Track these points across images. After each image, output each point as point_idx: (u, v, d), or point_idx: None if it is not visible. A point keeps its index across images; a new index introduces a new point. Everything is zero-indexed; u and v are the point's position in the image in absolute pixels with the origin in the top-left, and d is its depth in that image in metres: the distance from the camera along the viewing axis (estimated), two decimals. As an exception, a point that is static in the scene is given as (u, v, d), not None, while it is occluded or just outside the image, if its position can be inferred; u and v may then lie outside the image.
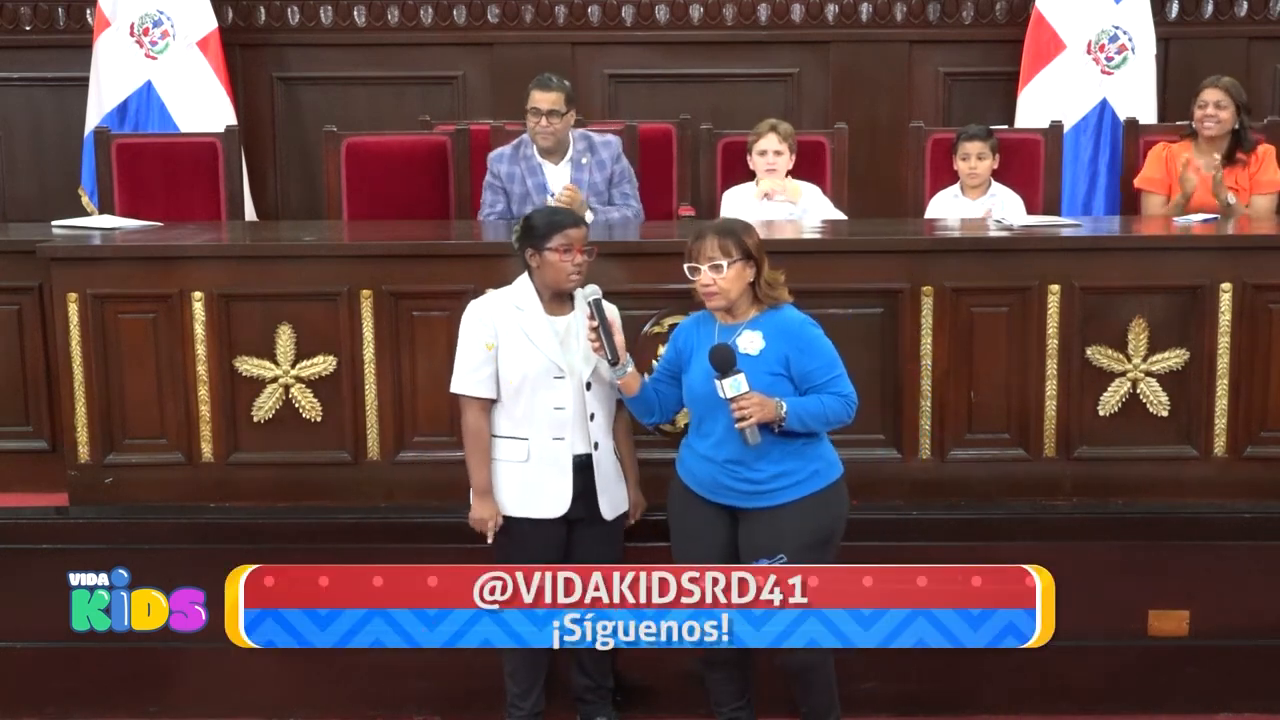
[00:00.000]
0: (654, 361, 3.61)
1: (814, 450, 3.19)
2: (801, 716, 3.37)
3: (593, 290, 3.22)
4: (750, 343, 3.14)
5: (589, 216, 4.46)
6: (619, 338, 3.23)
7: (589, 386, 3.32)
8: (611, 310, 3.30)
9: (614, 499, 3.39)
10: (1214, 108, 4.75)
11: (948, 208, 4.82)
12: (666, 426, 3.73)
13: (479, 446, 3.32)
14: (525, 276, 3.34)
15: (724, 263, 3.12)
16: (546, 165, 4.61)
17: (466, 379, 3.31)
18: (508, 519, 3.32)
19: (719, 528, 3.24)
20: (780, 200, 4.62)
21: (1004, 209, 4.65)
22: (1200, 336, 3.70)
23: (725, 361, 3.06)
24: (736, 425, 3.06)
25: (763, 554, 3.14)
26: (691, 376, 3.23)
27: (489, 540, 3.34)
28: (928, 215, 4.87)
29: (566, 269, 3.25)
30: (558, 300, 3.33)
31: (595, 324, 3.19)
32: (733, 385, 3.04)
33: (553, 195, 4.51)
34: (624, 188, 4.64)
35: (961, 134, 4.82)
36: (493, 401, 3.32)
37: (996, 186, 4.81)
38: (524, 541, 3.33)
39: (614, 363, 3.21)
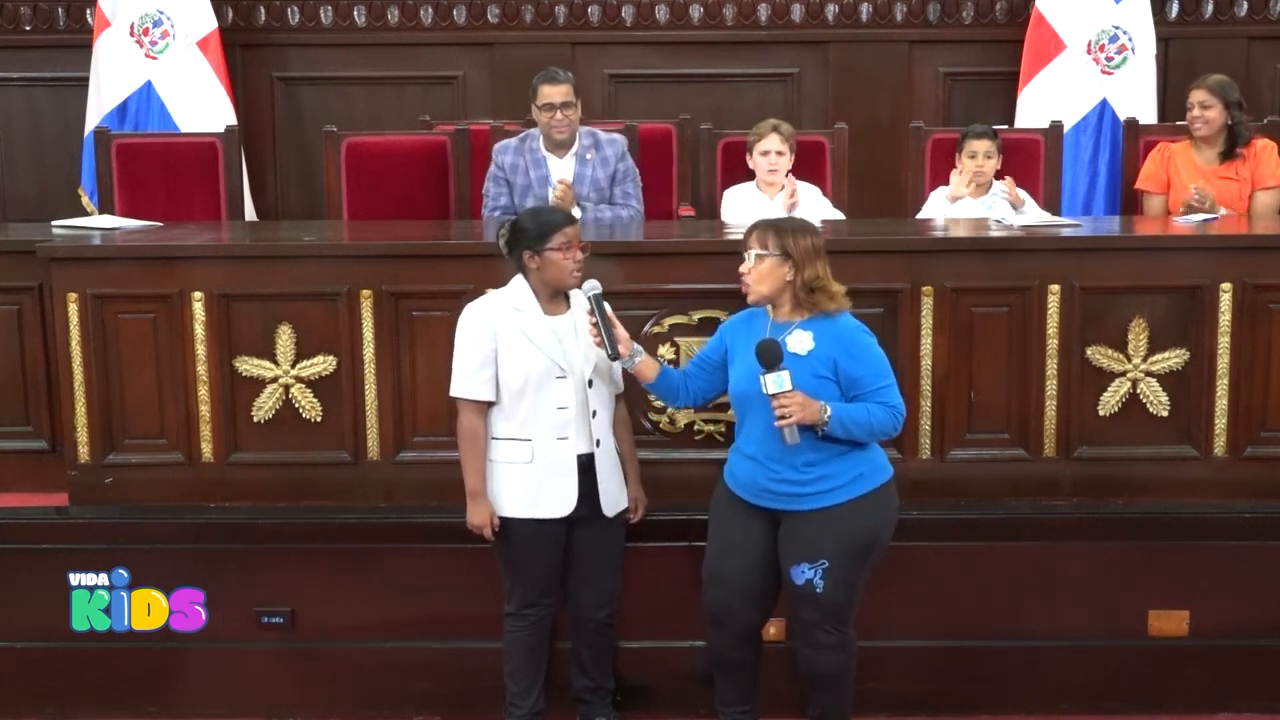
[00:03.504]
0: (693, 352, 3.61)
1: (859, 454, 3.13)
2: (810, 719, 3.38)
3: (592, 285, 3.22)
4: (799, 342, 3.09)
5: (575, 213, 4.47)
6: (620, 330, 3.22)
7: (590, 384, 3.32)
8: (606, 306, 3.29)
9: (614, 496, 3.39)
10: (1199, 108, 4.77)
11: (949, 206, 4.80)
12: (666, 425, 3.73)
13: (475, 449, 3.32)
14: (520, 278, 3.33)
15: (758, 253, 3.10)
16: (551, 159, 4.62)
17: (466, 382, 3.30)
18: (511, 520, 3.32)
19: (758, 534, 3.20)
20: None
21: (1007, 206, 4.64)
22: (1200, 336, 3.69)
23: (771, 356, 3.01)
24: (776, 423, 3.02)
25: (803, 559, 3.11)
26: (736, 373, 3.20)
27: (490, 538, 3.34)
28: (926, 209, 4.85)
29: (569, 267, 3.25)
30: (555, 300, 3.33)
31: (595, 319, 3.18)
32: (776, 381, 2.99)
33: (554, 188, 4.51)
34: (626, 186, 4.65)
35: (968, 133, 4.81)
36: (490, 404, 3.32)
37: (998, 186, 4.80)
38: (527, 543, 3.34)
39: (614, 357, 3.21)
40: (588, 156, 4.60)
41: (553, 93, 4.52)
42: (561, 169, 4.60)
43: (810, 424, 3.02)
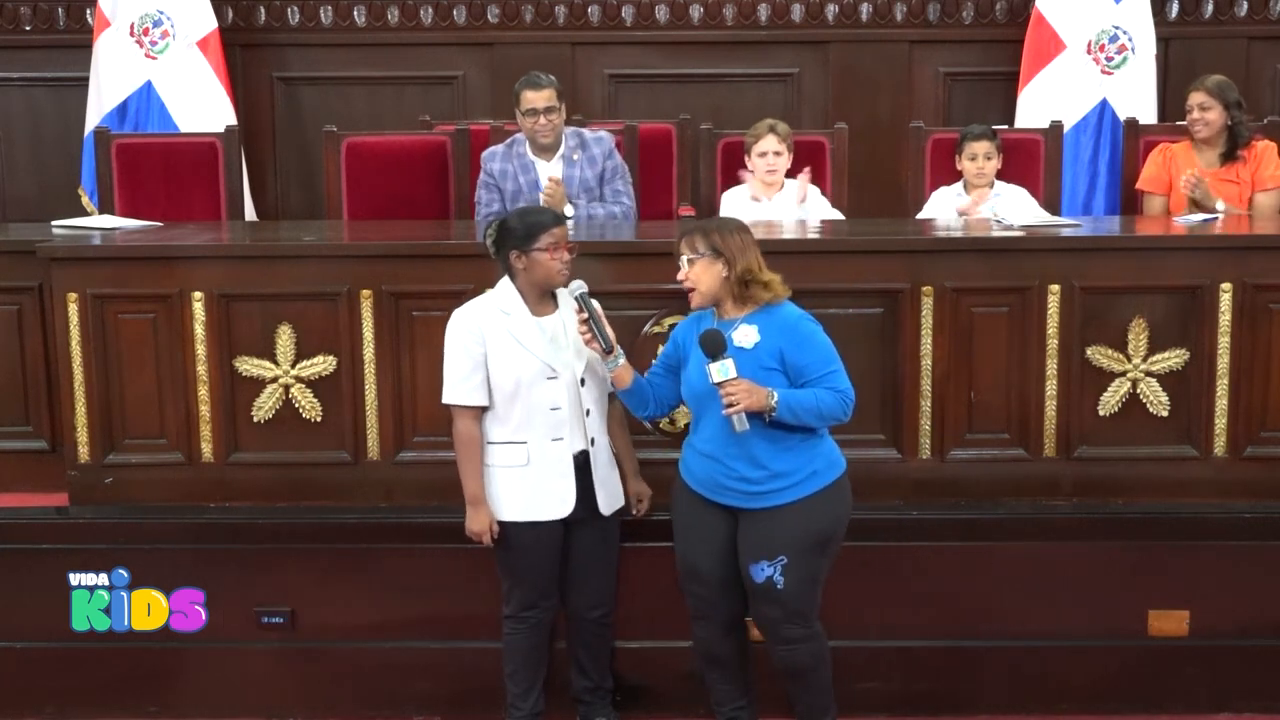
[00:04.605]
0: (653, 362, 3.61)
1: (814, 449, 3.17)
2: (797, 716, 3.38)
3: (578, 285, 3.22)
4: (745, 336, 3.13)
5: (569, 210, 4.48)
6: (610, 329, 3.23)
7: (583, 383, 3.32)
8: (594, 303, 3.29)
9: (611, 494, 3.40)
10: (1199, 110, 4.77)
11: (950, 205, 4.81)
12: (666, 425, 3.73)
13: (472, 455, 3.31)
14: (506, 280, 3.33)
15: (690, 258, 3.15)
16: (539, 162, 4.63)
17: (459, 389, 3.29)
18: (509, 524, 3.32)
19: (720, 528, 3.23)
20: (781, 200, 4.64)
21: (1009, 206, 4.64)
22: (1200, 336, 3.69)
23: (715, 345, 3.05)
24: (724, 412, 3.04)
25: (761, 556, 3.14)
26: (689, 372, 3.23)
27: (490, 544, 3.34)
28: (927, 210, 4.86)
29: (556, 267, 3.25)
30: (543, 300, 3.33)
31: (585, 317, 3.18)
32: (720, 370, 3.03)
33: (543, 190, 4.52)
34: (616, 184, 4.65)
35: (967, 134, 4.81)
36: (484, 409, 3.31)
37: (1000, 185, 4.80)
38: (526, 546, 3.34)
39: (608, 352, 3.21)
40: (574, 158, 4.61)
41: (535, 98, 4.53)
42: (549, 172, 4.60)
43: (758, 410, 3.05)
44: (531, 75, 4.63)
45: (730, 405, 3.03)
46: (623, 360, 3.26)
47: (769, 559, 3.13)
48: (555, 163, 4.63)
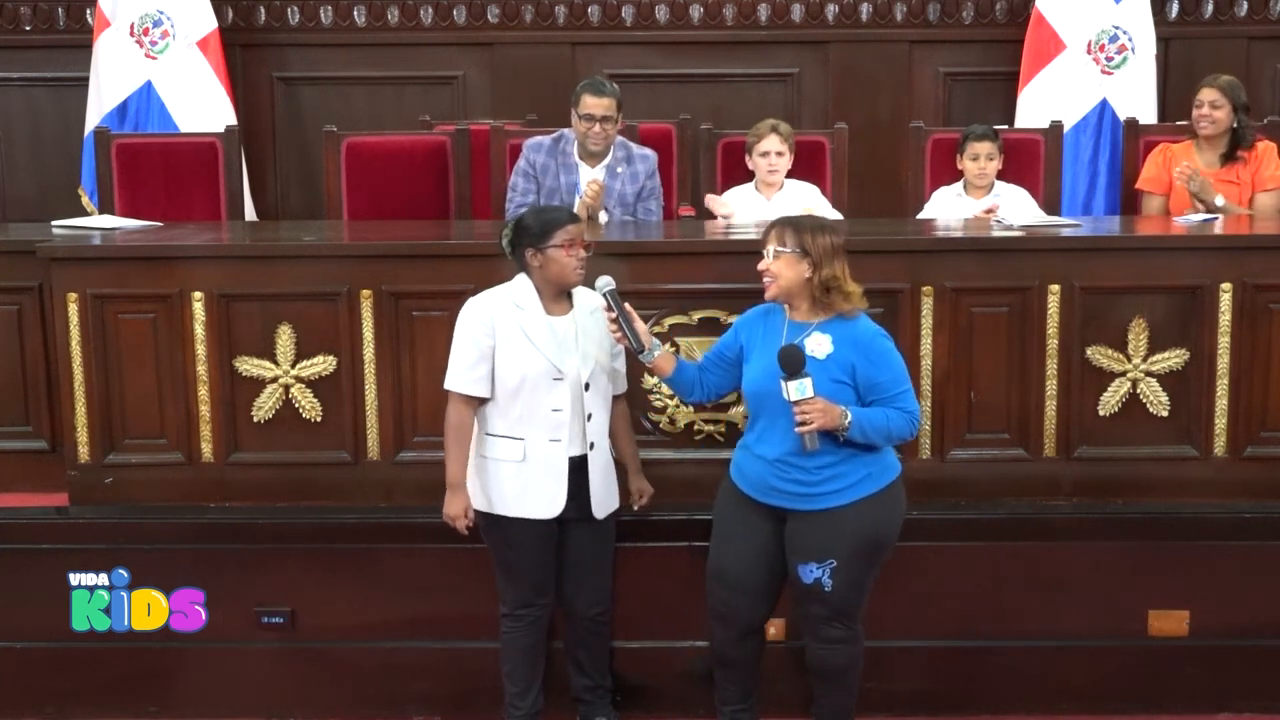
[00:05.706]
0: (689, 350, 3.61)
1: (870, 453, 3.13)
2: (814, 716, 3.38)
3: (606, 282, 3.20)
4: (818, 345, 3.08)
5: (603, 217, 4.46)
6: (639, 324, 3.22)
7: (587, 387, 3.31)
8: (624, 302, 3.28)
9: (606, 499, 3.39)
10: (1209, 107, 4.76)
11: (951, 206, 4.81)
12: (666, 425, 3.73)
13: (461, 442, 3.30)
14: (523, 276, 3.33)
15: (776, 250, 3.10)
16: (583, 166, 4.58)
17: (462, 377, 3.29)
18: (502, 519, 3.32)
19: (764, 531, 3.20)
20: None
21: (1009, 206, 4.64)
22: (1200, 336, 3.69)
23: (794, 363, 3.00)
24: (797, 430, 3.01)
25: (811, 559, 3.12)
26: (752, 370, 3.18)
27: (463, 531, 3.32)
28: (927, 210, 4.86)
29: (572, 264, 3.25)
30: (557, 300, 3.33)
31: (614, 315, 3.18)
32: (798, 388, 2.98)
33: (580, 195, 4.51)
34: (650, 204, 4.62)
35: (969, 134, 4.80)
36: (483, 401, 3.31)
37: (1000, 185, 4.80)
38: (518, 540, 3.34)
39: (639, 350, 3.20)
40: (619, 170, 4.56)
41: (595, 104, 4.46)
42: (592, 177, 4.57)
43: (831, 429, 3.02)
44: (595, 79, 4.56)
45: (804, 424, 3.00)
46: (659, 351, 3.25)
47: (818, 561, 3.10)
48: (599, 170, 4.57)
